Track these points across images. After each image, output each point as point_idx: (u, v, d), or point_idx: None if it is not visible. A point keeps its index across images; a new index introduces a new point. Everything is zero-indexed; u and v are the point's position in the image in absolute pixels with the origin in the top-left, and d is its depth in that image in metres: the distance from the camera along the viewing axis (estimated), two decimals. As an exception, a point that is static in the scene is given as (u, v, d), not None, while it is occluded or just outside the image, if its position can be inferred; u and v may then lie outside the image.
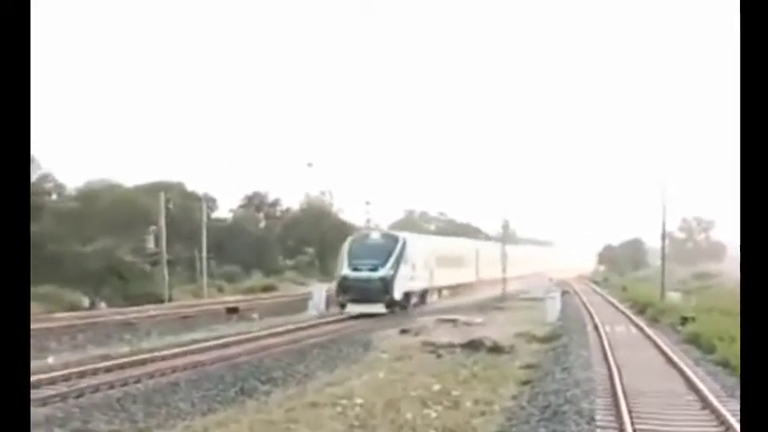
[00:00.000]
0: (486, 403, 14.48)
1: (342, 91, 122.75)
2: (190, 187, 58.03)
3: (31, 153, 50.52)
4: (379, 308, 34.64)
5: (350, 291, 35.32)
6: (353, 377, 17.83)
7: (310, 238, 65.25)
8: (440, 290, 45.01)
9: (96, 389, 16.44)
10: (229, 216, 65.64)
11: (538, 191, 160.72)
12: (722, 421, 12.08)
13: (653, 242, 71.19)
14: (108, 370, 18.72)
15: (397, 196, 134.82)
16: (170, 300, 42.58)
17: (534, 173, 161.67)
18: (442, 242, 52.87)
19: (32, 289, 37.06)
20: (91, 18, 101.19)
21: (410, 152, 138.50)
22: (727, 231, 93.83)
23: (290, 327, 29.50)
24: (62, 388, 16.30)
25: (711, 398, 13.59)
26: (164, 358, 20.82)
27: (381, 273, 35.61)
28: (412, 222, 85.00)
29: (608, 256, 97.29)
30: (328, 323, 31.94)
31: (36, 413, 14.19)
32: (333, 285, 38.39)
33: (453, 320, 30.97)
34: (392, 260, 36.05)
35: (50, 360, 21.05)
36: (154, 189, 50.66)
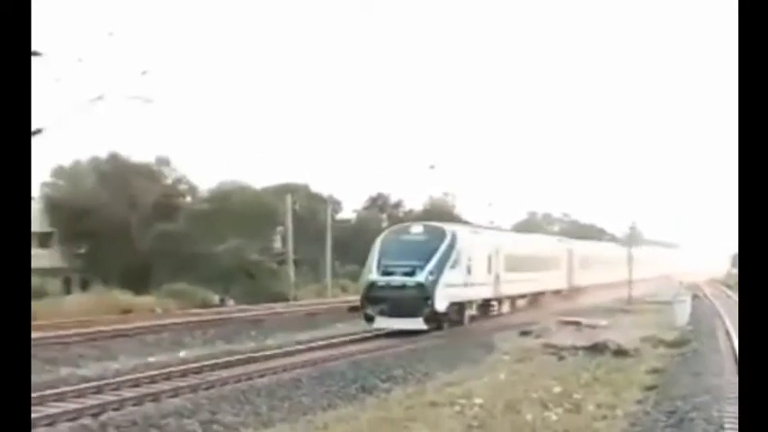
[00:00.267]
0: (609, 407, 14.10)
1: (464, 93, 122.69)
2: (315, 189, 59.35)
3: (167, 156, 52.68)
4: (417, 323, 26.66)
5: (378, 301, 27.08)
6: (473, 378, 17.80)
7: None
8: (513, 299, 35.57)
9: (225, 382, 17.07)
10: (353, 217, 66.64)
11: (666, 191, 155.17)
12: None
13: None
14: (235, 364, 19.39)
15: (521, 198, 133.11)
16: (295, 298, 43.68)
17: (664, 172, 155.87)
18: (513, 239, 42.22)
19: (168, 286, 39.22)
20: (220, 24, 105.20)
21: (533, 153, 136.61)
22: None
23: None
24: (192, 380, 17.07)
25: None
26: (287, 354, 21.40)
27: (419, 277, 27.16)
28: (535, 224, 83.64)
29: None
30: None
31: (167, 403, 14.98)
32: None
33: (576, 323, 30.41)
34: (435, 261, 27.55)
35: (182, 354, 22.12)
36: (281, 191, 52.32)
